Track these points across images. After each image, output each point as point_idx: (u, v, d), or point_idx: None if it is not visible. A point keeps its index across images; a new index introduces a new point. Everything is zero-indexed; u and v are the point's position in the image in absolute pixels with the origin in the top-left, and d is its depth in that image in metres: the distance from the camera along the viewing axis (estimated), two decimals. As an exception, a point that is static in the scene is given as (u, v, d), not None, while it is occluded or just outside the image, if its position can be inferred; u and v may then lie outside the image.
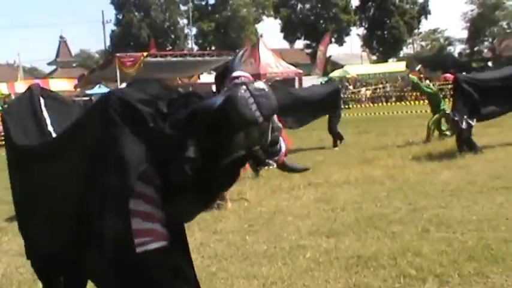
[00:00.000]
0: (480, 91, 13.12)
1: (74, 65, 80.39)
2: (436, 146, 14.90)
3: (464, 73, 15.99)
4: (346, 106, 36.23)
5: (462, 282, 5.64)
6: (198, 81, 40.43)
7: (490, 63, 52.91)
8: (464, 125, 12.76)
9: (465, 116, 12.76)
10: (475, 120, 13.08)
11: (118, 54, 29.95)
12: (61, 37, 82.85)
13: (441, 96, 18.27)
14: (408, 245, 6.81)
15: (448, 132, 15.82)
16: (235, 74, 3.13)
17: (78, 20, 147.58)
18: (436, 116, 16.45)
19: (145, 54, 29.97)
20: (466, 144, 13.09)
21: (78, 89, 38.66)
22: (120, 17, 71.33)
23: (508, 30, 61.28)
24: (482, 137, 14.20)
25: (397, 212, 8.53)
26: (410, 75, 21.75)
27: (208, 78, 43.56)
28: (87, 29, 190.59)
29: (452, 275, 5.79)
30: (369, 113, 29.98)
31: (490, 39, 64.29)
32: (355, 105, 36.09)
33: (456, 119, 12.78)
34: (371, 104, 38.61)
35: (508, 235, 6.90)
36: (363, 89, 44.95)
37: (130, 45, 64.33)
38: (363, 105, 35.76)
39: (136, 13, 71.48)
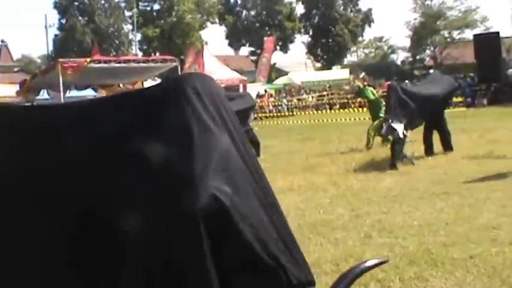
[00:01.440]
0: (415, 101, 13.38)
1: (16, 69, 78.80)
2: (378, 152, 15.11)
3: (407, 81, 16.33)
4: (291, 113, 36.53)
5: (403, 286, 5.74)
6: (141, 86, 40.14)
7: (431, 71, 53.90)
8: (400, 134, 12.95)
9: (402, 125, 12.98)
10: (409, 131, 13.36)
11: (61, 60, 29.47)
12: (2, 41, 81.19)
13: (383, 103, 18.54)
14: (351, 251, 6.90)
15: (390, 137, 16.10)
16: None
17: (20, 24, 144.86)
18: (376, 122, 16.70)
19: (88, 60, 29.55)
20: (398, 155, 13.19)
21: (21, 95, 37.91)
22: (64, 22, 70.22)
23: (448, 40, 62.52)
24: (423, 144, 14.43)
25: (340, 218, 8.62)
26: (356, 81, 22.01)
27: (151, 85, 43.35)
28: (29, 33, 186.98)
29: (393, 280, 5.88)
30: (313, 120, 30.23)
31: (432, 48, 65.47)
32: (299, 112, 36.32)
33: (392, 124, 12.93)
34: (315, 111, 38.94)
35: (448, 239, 7.05)
36: (308, 96, 45.28)
37: (74, 50, 63.29)
38: (307, 112, 36.01)
39: (80, 18, 70.54)
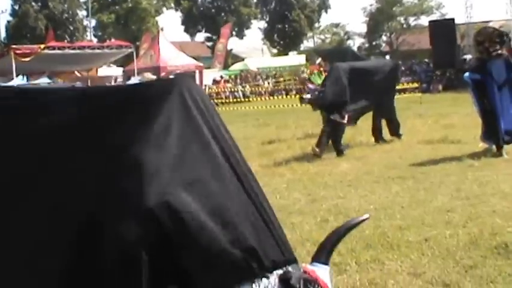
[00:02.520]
0: (354, 84, 13.10)
1: (-33, 56, 77.30)
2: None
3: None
4: (246, 99, 36.45)
5: (360, 270, 5.76)
6: (98, 74, 39.73)
7: (387, 57, 54.36)
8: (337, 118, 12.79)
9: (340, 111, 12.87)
10: (346, 117, 13.16)
11: (14, 46, 29.00)
12: (-48, 27, 79.63)
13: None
14: (307, 235, 6.90)
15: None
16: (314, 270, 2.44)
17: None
18: None
19: (42, 46, 29.17)
20: (334, 143, 13.00)
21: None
22: (17, 8, 68.87)
23: (404, 26, 63.08)
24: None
25: (297, 203, 8.62)
26: (305, 72, 21.77)
27: (107, 71, 42.87)
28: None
29: (350, 263, 5.90)
30: (269, 105, 30.23)
31: (388, 34, 65.99)
32: (255, 98, 36.28)
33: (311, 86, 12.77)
34: (271, 97, 38.95)
35: (403, 223, 7.10)
36: (264, 82, 45.26)
37: (27, 36, 62.12)
38: (263, 98, 36.01)
39: (33, 3, 69.21)
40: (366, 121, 14.41)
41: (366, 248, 6.31)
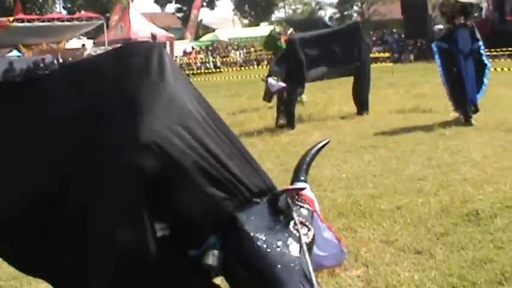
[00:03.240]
0: (312, 52, 12.92)
1: None
2: (306, 107, 15.11)
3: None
4: (218, 70, 36.22)
5: (332, 238, 5.76)
6: (66, 46, 39.20)
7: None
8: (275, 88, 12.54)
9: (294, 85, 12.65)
10: (299, 90, 13.05)
11: (-19, 19, 28.46)
12: None
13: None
14: (280, 204, 6.88)
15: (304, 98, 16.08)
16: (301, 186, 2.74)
17: None
18: None
19: (11, 19, 28.67)
20: (287, 113, 12.83)
21: None
22: (-17, -21, 67.67)
23: (376, -4, 63.06)
24: (351, 99, 14.51)
25: (269, 172, 8.41)
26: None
27: (76, 43, 42.25)
28: None
29: (322, 232, 5.90)
30: (241, 76, 30.07)
31: (359, 4, 65.89)
32: (226, 69, 36.07)
33: (272, 81, 12.53)
34: (243, 68, 38.76)
35: (375, 191, 7.13)
36: (236, 52, 45.01)
37: (-4, 9, 61.18)
38: (234, 69, 35.79)
39: (0, -26, 67.99)
40: (338, 90, 14.41)
41: (338, 217, 6.32)
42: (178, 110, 2.51)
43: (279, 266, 2.29)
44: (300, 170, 2.88)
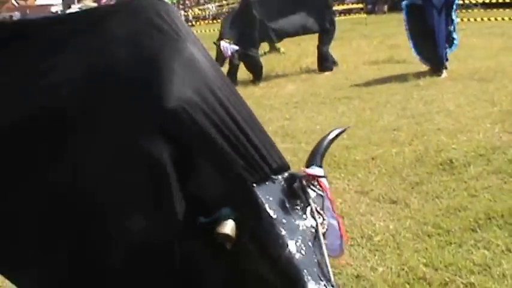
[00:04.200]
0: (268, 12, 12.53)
1: None
2: (280, 60, 15.03)
3: None
4: (190, 23, 35.84)
5: (307, 190, 5.76)
6: (36, 3, 38.56)
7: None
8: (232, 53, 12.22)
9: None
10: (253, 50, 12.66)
11: None
12: None
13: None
14: (255, 157, 6.86)
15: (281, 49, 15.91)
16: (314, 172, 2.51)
17: None
18: None
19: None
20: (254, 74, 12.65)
21: None
22: None
23: None
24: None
25: (244, 125, 8.56)
26: None
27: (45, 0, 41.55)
28: None
29: (297, 183, 5.90)
30: (214, 29, 29.78)
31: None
32: (199, 22, 35.73)
33: (225, 45, 12.20)
34: (215, 21, 38.38)
35: (350, 142, 7.12)
36: (208, 6, 44.55)
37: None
38: (206, 22, 35.44)
39: None
40: (312, 42, 14.26)
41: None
42: (200, 71, 2.32)
43: (298, 255, 2.15)
44: (317, 155, 2.73)
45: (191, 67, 2.29)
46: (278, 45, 15.71)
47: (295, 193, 2.32)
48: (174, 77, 2.21)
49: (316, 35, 13.28)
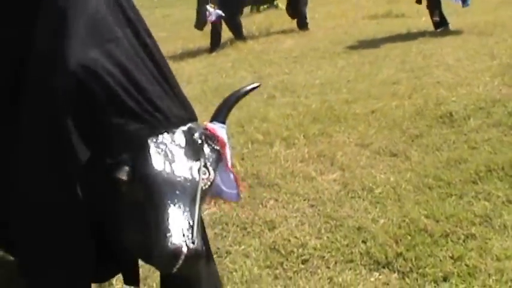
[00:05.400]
0: None
1: None
2: (279, 15, 14.90)
3: None
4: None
5: (308, 143, 5.79)
6: None
7: None
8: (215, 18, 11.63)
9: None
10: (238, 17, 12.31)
11: None
12: None
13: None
14: (255, 112, 6.87)
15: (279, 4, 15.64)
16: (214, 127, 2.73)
17: None
18: None
19: None
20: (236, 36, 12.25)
21: None
22: None
23: None
24: (324, 6, 14.34)
25: (243, 81, 8.52)
26: None
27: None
28: None
29: (298, 137, 5.92)
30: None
31: None
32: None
33: (210, 9, 11.42)
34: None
35: (349, 96, 7.12)
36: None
37: None
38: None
39: None
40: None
41: (313, 122, 6.33)
42: (101, 32, 2.51)
43: (172, 207, 2.36)
44: (222, 111, 2.85)
45: (93, 27, 2.49)
46: (276, 1, 15.53)
47: (191, 144, 2.53)
48: (76, 40, 2.44)
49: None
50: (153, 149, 2.45)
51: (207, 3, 11.46)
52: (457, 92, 6.85)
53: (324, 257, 3.88)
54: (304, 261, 3.86)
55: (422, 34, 10.43)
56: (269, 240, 4.14)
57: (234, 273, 3.82)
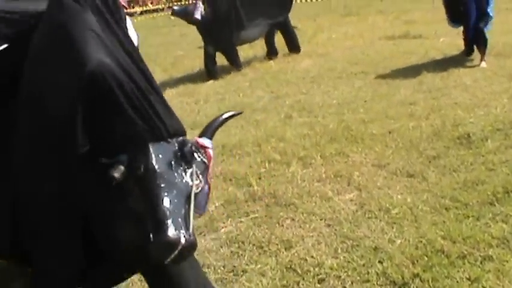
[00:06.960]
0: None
1: None
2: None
3: None
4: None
5: (325, 163, 5.80)
6: None
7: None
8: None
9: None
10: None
11: None
12: None
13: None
14: (272, 131, 6.90)
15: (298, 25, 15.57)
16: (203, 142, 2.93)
17: None
18: None
19: None
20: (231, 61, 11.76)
21: None
22: None
23: None
24: (341, 27, 14.38)
25: (260, 100, 8.58)
26: None
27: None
28: None
29: (315, 157, 5.93)
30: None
31: None
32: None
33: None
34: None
35: (366, 116, 7.13)
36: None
37: None
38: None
39: None
40: (326, 17, 14.22)
41: (330, 142, 6.34)
42: (105, 44, 2.69)
43: (170, 204, 2.56)
44: (208, 130, 3.07)
45: (96, 38, 2.67)
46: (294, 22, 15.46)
47: (183, 155, 2.72)
48: (90, 45, 2.62)
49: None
50: (153, 152, 2.65)
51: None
52: (475, 113, 6.85)
53: (340, 276, 3.88)
54: (320, 281, 3.87)
55: (439, 55, 10.44)
56: (285, 260, 4.15)
57: (250, 292, 3.83)
